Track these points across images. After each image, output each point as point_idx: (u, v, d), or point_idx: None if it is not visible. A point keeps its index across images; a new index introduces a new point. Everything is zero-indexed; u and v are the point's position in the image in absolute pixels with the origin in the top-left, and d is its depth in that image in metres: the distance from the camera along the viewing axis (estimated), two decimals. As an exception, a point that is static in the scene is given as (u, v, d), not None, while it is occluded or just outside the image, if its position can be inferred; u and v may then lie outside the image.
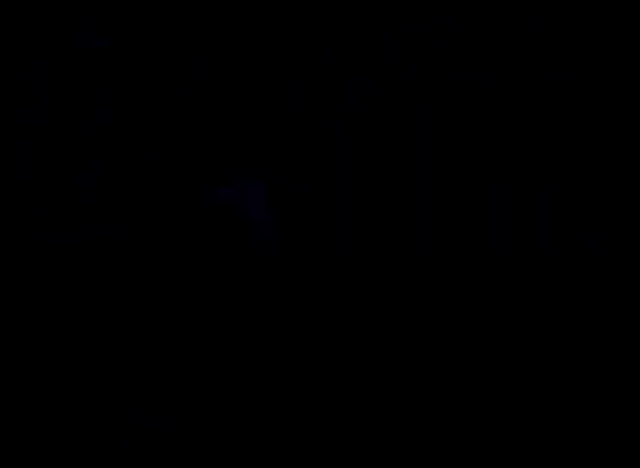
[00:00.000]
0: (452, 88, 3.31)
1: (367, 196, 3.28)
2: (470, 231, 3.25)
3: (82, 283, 3.21)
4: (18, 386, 3.15)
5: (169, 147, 3.29)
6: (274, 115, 3.31)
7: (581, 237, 3.24)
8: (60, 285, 3.20)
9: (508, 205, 3.27)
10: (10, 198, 3.25)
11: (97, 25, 3.31)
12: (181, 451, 3.11)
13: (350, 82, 3.32)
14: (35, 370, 3.16)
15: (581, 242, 3.24)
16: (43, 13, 3.30)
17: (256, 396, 3.15)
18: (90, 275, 3.21)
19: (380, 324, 3.18)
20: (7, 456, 3.09)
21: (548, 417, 3.09)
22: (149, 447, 3.11)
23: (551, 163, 3.28)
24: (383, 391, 3.14)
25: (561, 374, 3.13)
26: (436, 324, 3.18)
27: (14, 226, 3.24)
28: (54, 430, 3.13)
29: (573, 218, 3.25)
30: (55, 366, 3.17)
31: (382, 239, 3.26)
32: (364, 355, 3.16)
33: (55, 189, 3.27)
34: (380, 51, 3.32)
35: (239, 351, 3.17)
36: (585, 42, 3.31)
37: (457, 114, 3.30)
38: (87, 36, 3.31)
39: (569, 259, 3.22)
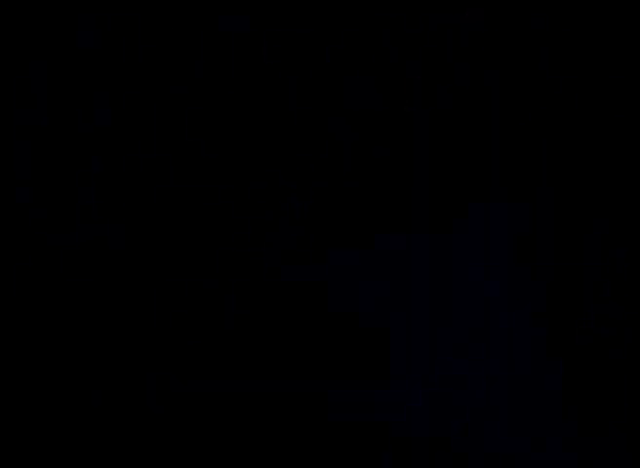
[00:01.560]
0: (452, 88, 3.31)
1: (364, 196, 3.28)
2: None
3: (82, 283, 3.21)
4: (17, 386, 3.15)
5: (169, 147, 3.29)
6: (274, 115, 3.31)
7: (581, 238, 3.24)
8: (59, 285, 3.20)
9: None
10: (10, 198, 3.25)
11: (97, 25, 3.31)
12: (181, 451, 3.11)
13: (350, 82, 3.32)
14: (35, 371, 3.16)
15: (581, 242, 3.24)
16: (43, 13, 3.30)
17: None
18: (90, 275, 3.21)
19: None
20: (6, 457, 3.09)
21: None
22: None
23: (551, 163, 3.28)
24: None
25: None
26: None
27: (14, 226, 3.24)
28: (53, 430, 3.13)
29: (573, 218, 3.25)
30: (54, 366, 3.17)
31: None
32: None
33: (55, 189, 3.27)
34: (380, 51, 3.32)
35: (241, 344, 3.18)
36: (585, 42, 3.31)
37: (456, 114, 3.30)
38: (87, 36, 3.31)
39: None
